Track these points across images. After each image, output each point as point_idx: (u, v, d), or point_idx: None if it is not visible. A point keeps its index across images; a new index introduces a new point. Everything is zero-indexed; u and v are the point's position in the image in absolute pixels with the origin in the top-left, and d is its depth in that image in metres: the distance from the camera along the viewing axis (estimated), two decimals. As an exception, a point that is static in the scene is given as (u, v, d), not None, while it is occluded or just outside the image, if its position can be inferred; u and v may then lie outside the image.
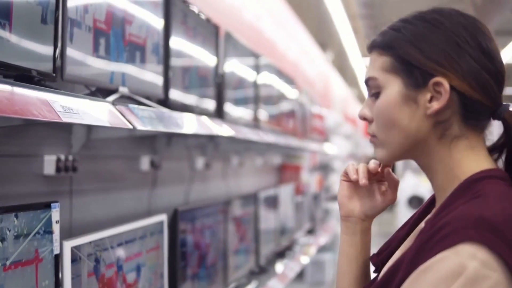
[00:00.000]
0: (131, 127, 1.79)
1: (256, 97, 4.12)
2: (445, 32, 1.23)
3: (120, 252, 2.15)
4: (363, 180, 1.43)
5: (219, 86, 3.32)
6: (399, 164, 15.97)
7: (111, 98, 2.02)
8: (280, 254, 5.01)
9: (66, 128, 2.30)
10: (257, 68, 4.19)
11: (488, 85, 1.22)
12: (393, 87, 1.26)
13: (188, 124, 2.39)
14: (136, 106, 1.94)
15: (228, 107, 3.42)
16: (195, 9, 2.89)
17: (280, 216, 5.04)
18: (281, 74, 5.10)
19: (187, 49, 2.81)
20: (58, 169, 2.22)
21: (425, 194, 12.29)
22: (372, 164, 1.45)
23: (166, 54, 2.51)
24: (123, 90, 2.11)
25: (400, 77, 1.25)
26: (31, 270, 1.59)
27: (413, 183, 12.55)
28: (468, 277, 1.06)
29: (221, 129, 2.86)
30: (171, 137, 3.14)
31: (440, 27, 1.24)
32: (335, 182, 9.56)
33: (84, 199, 2.49)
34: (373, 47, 1.31)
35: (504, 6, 9.86)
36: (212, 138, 3.60)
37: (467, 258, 1.07)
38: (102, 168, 2.69)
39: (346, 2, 9.01)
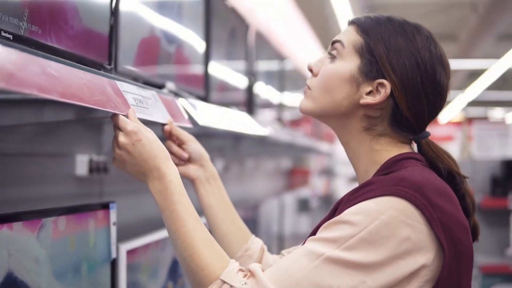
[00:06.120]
0: (190, 125, 1.69)
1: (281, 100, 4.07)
2: (413, 49, 1.33)
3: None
4: None
5: (250, 88, 3.26)
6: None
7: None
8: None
9: (97, 126, 2.20)
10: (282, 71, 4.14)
11: (422, 110, 1.34)
12: (350, 64, 1.35)
13: (229, 119, 2.31)
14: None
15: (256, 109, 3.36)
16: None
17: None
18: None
19: (222, 50, 2.75)
20: (90, 170, 2.11)
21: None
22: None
23: (207, 55, 2.48)
24: (170, 86, 2.02)
25: (359, 60, 1.35)
26: (87, 274, 1.49)
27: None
28: (384, 221, 1.18)
29: (255, 128, 2.78)
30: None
31: (412, 43, 1.34)
32: (340, 186, 9.56)
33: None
34: (355, 23, 1.39)
35: (509, 12, 9.80)
36: (238, 139, 3.50)
37: (386, 207, 1.20)
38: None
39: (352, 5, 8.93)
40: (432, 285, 1.22)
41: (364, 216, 1.20)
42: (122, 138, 1.33)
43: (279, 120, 4.02)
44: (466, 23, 11.47)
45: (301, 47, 7.19)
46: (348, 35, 1.38)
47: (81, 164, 2.10)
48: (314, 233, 1.32)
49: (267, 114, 3.77)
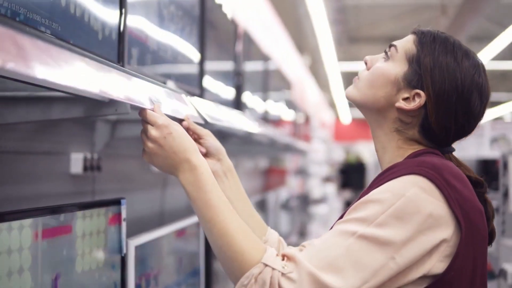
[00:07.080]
0: (201, 121, 1.71)
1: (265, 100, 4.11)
2: (457, 71, 1.41)
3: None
4: None
5: (238, 87, 3.29)
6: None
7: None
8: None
9: (91, 125, 2.20)
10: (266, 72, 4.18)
11: (449, 128, 1.43)
12: (398, 68, 1.45)
13: (228, 116, 2.34)
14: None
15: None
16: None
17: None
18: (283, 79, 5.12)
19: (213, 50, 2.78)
20: (85, 168, 2.12)
21: None
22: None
23: (202, 58, 2.52)
24: (170, 84, 2.04)
25: (407, 67, 1.44)
26: (100, 270, 1.50)
27: None
28: (409, 198, 1.27)
29: (250, 125, 2.81)
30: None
31: (458, 65, 1.42)
32: (314, 186, 9.63)
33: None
34: (416, 33, 1.48)
35: (478, 14, 9.95)
36: (223, 138, 3.53)
37: (410, 184, 1.29)
38: (123, 168, 2.58)
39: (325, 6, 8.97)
40: (450, 261, 1.29)
41: (390, 193, 1.29)
42: (153, 132, 1.36)
43: (264, 119, 4.06)
44: (436, 25, 11.60)
45: (276, 47, 7.23)
46: (405, 43, 1.48)
47: (76, 162, 2.10)
48: (341, 218, 1.38)
49: (253, 113, 3.81)
